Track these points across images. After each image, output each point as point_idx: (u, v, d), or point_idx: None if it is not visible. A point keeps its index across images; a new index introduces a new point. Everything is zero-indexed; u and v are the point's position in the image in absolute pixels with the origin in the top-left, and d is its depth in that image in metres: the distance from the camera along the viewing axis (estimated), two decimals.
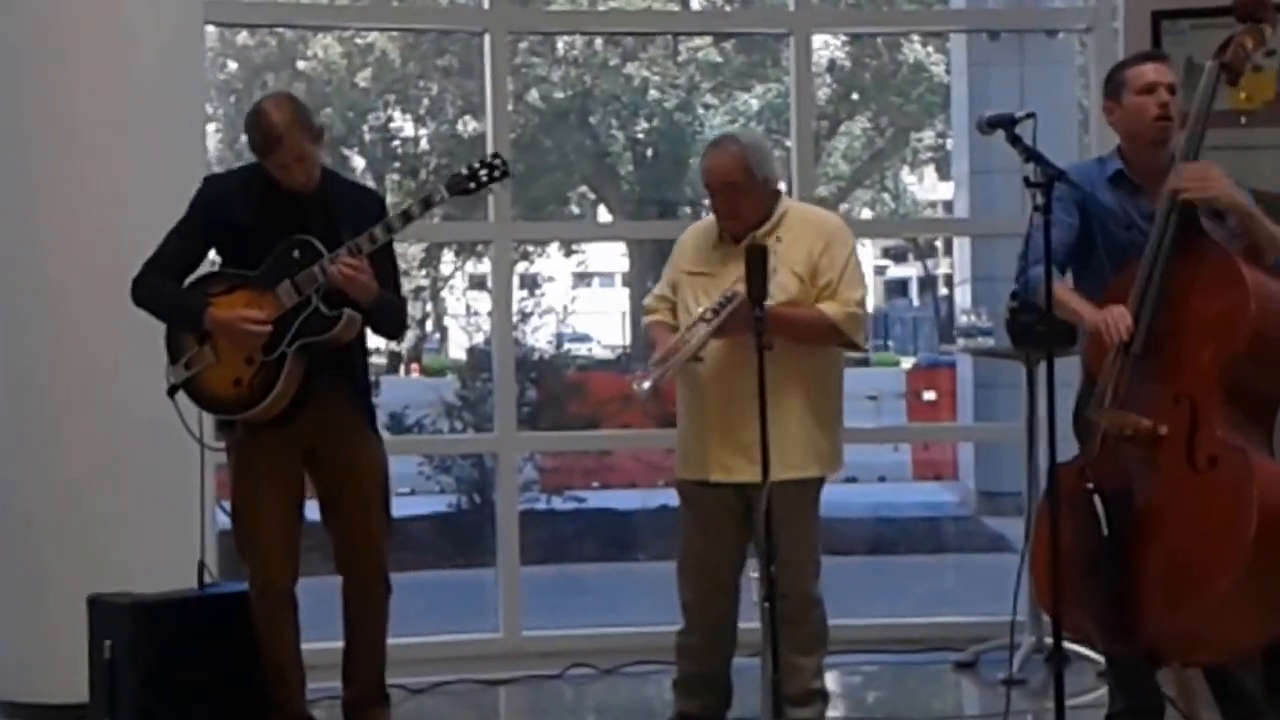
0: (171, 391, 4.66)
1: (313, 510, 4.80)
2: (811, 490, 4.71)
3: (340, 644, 4.81)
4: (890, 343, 26.14)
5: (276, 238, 4.55)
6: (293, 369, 4.53)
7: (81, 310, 5.43)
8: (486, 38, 6.48)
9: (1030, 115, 4.10)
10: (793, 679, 4.57)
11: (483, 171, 4.60)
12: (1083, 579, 4.06)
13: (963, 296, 12.22)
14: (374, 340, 5.01)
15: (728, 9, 18.33)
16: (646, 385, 4.48)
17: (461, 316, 19.29)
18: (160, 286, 4.65)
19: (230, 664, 4.76)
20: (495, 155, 4.65)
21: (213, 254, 4.82)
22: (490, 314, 6.83)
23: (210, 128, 19.87)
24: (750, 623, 4.74)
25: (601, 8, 16.71)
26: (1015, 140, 4.07)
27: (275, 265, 4.54)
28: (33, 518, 5.44)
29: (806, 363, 4.62)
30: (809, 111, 6.81)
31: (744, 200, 4.66)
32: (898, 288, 32.66)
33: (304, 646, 4.79)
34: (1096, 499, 4.10)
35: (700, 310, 4.57)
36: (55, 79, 5.48)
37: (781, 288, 4.51)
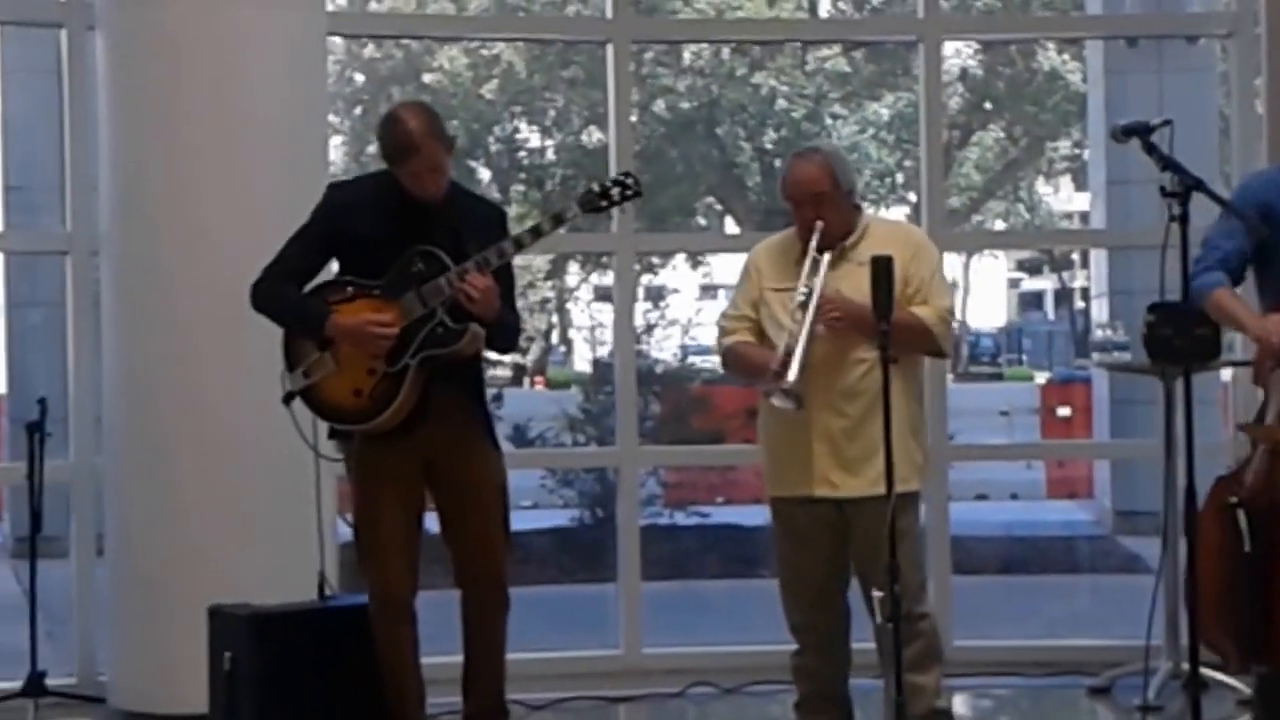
0: (288, 399, 4.63)
1: (433, 522, 4.74)
2: (915, 504, 4.65)
3: (460, 658, 4.75)
4: (1024, 357, 25.74)
5: (400, 248, 4.51)
6: (414, 381, 4.49)
7: (199, 325, 5.46)
8: (609, 47, 6.42)
9: (1167, 123, 3.99)
10: (916, 700, 4.49)
11: (615, 190, 4.57)
12: (1225, 596, 3.92)
13: (1099, 310, 11.99)
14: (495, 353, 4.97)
15: (856, 17, 18.14)
16: (791, 378, 4.35)
17: (586, 329, 19.30)
18: (280, 291, 4.62)
19: (349, 677, 4.73)
20: (628, 174, 4.62)
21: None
22: (613, 326, 6.75)
23: (336, 140, 20.25)
24: (863, 643, 4.66)
25: (728, 16, 16.64)
26: (1151, 149, 3.96)
27: (399, 276, 4.50)
28: (152, 530, 5.49)
29: (904, 375, 4.55)
30: (938, 121, 6.65)
31: (830, 210, 4.59)
32: (1032, 301, 32.23)
33: (424, 660, 4.74)
34: (1240, 514, 3.95)
35: (791, 308, 4.51)
36: (174, 97, 5.52)
37: (866, 299, 4.38)
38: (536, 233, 4.53)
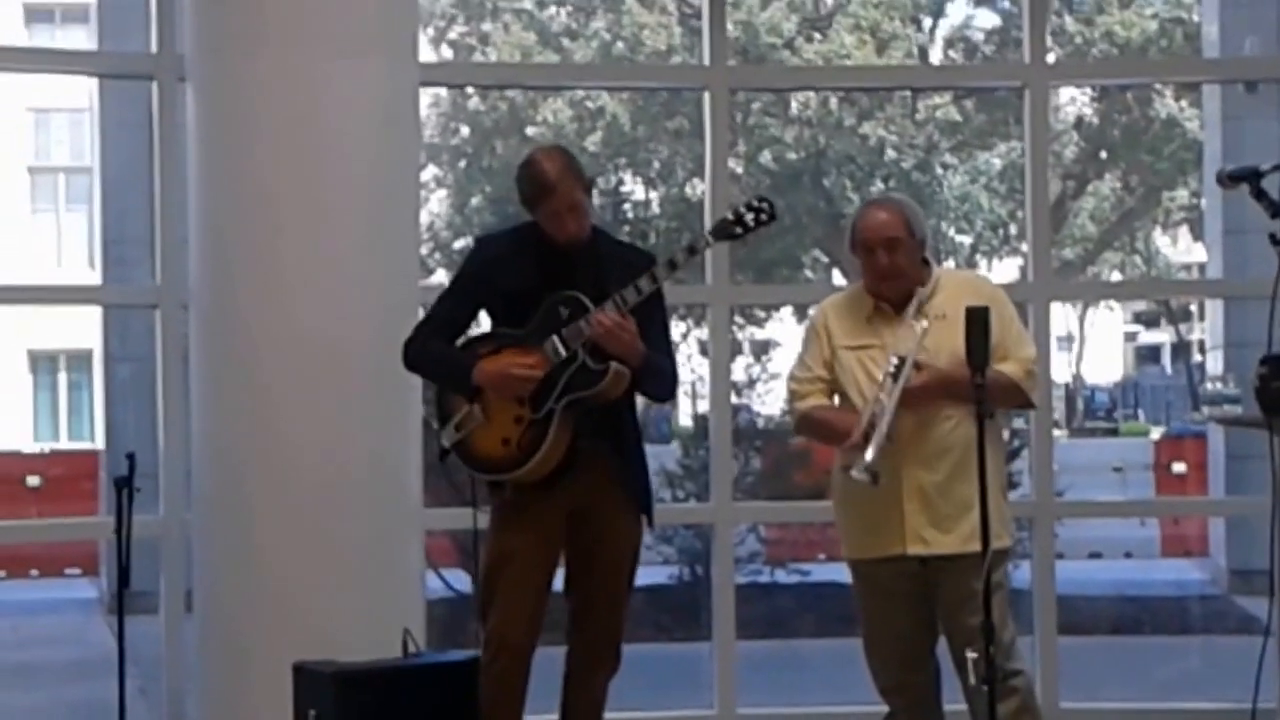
0: (443, 455, 4.61)
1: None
2: (1002, 560, 4.52)
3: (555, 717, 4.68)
4: (1140, 412, 25.31)
5: (544, 297, 4.49)
6: (561, 427, 4.44)
7: (283, 379, 5.37)
8: (707, 95, 6.35)
9: (1278, 167, 3.80)
10: None
11: (749, 215, 4.47)
12: None
13: (1214, 363, 11.71)
14: None
15: (964, 64, 17.97)
16: (870, 457, 4.23)
17: (688, 384, 19.25)
18: (430, 347, 4.63)
19: None
20: (762, 199, 4.51)
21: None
22: (710, 379, 6.63)
23: (441, 192, 20.39)
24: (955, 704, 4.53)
25: (835, 64, 16.54)
26: (1261, 194, 3.81)
27: (542, 322, 4.48)
28: (237, 585, 5.42)
29: (993, 431, 4.43)
30: (1044, 169, 6.45)
31: (904, 258, 4.51)
32: (1150, 354, 31.73)
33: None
34: None
35: (881, 378, 4.38)
36: (262, 149, 5.43)
37: (953, 354, 4.32)
38: (672, 265, 4.45)
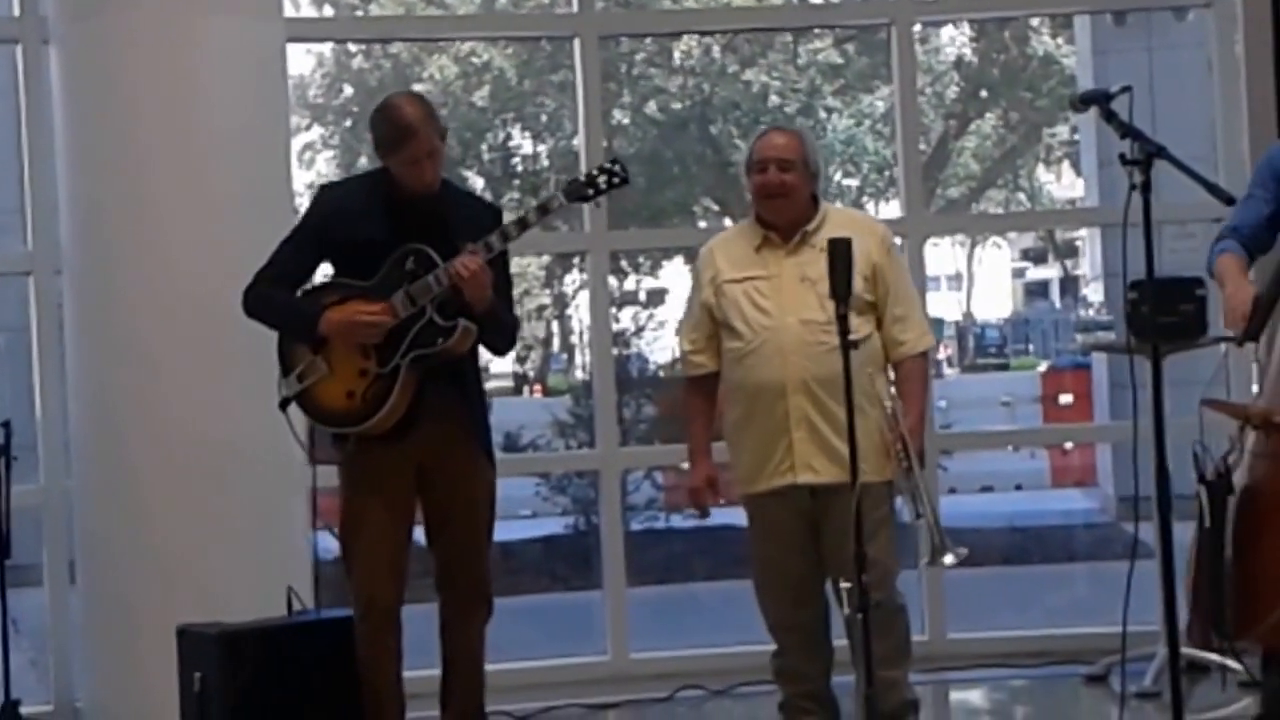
0: (284, 404, 4.56)
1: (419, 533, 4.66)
2: (889, 491, 4.57)
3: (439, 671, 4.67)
4: (1030, 347, 25.63)
5: (392, 248, 4.44)
6: (407, 382, 4.42)
7: (162, 342, 5.37)
8: (577, 42, 6.33)
9: (1126, 89, 3.89)
10: (889, 693, 4.44)
11: (601, 178, 4.48)
12: (1197, 575, 3.84)
13: (1096, 294, 11.87)
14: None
15: (833, 2, 18.04)
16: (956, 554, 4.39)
17: (578, 333, 19.28)
18: (273, 295, 4.56)
19: (322, 693, 4.64)
20: (614, 161, 4.52)
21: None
22: (590, 327, 6.65)
23: (327, 153, 20.21)
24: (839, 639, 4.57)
25: (691, 4, 16.50)
26: (1110, 116, 3.87)
27: (389, 275, 4.44)
28: (122, 552, 5.41)
29: (878, 358, 4.53)
30: (913, 107, 6.49)
31: (795, 178, 4.55)
32: (1039, 290, 32.09)
33: (412, 674, 4.64)
34: (1201, 490, 3.86)
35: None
36: (131, 110, 5.42)
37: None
38: (523, 224, 4.43)
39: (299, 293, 4.58)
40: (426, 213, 4.47)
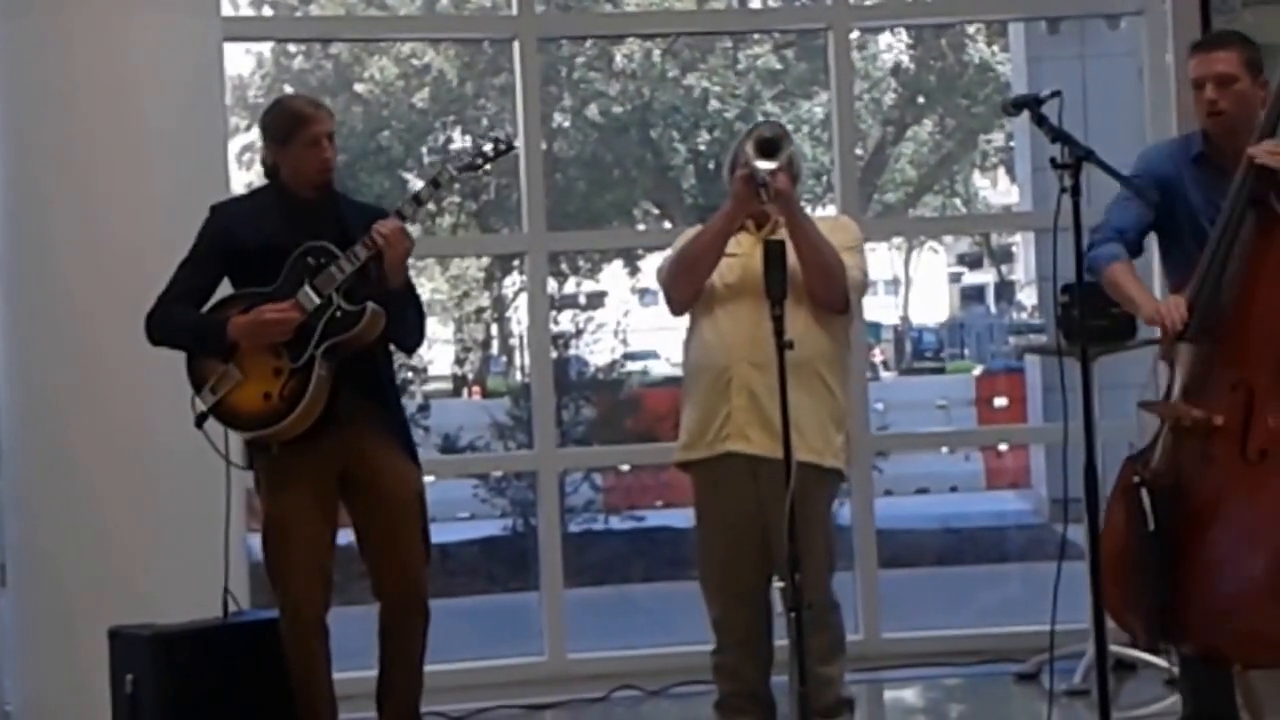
0: (200, 420, 4.53)
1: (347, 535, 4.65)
2: (830, 484, 4.58)
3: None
4: (966, 351, 25.82)
5: (289, 252, 4.45)
6: (321, 375, 4.42)
7: (102, 340, 5.34)
8: (516, 44, 6.34)
9: (1056, 94, 3.94)
10: (823, 691, 4.45)
11: (488, 146, 4.54)
12: (1132, 576, 3.88)
13: (1030, 298, 11.98)
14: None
15: (771, 8, 18.13)
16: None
17: (518, 335, 19.28)
18: (174, 314, 4.56)
19: (256, 695, 4.63)
20: (494, 135, 4.56)
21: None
22: (528, 329, 6.67)
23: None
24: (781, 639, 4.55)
25: (632, 8, 16.52)
26: (1041, 120, 3.91)
27: (291, 275, 4.45)
28: (54, 551, 5.37)
29: (825, 357, 4.52)
30: (850, 112, 6.54)
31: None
32: (974, 295, 32.29)
33: (345, 675, 4.65)
34: (1144, 493, 3.91)
35: None
36: (67, 104, 5.40)
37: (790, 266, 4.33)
38: (417, 200, 4.49)
39: (203, 311, 4.58)
40: (321, 214, 4.50)
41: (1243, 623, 3.79)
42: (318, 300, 4.41)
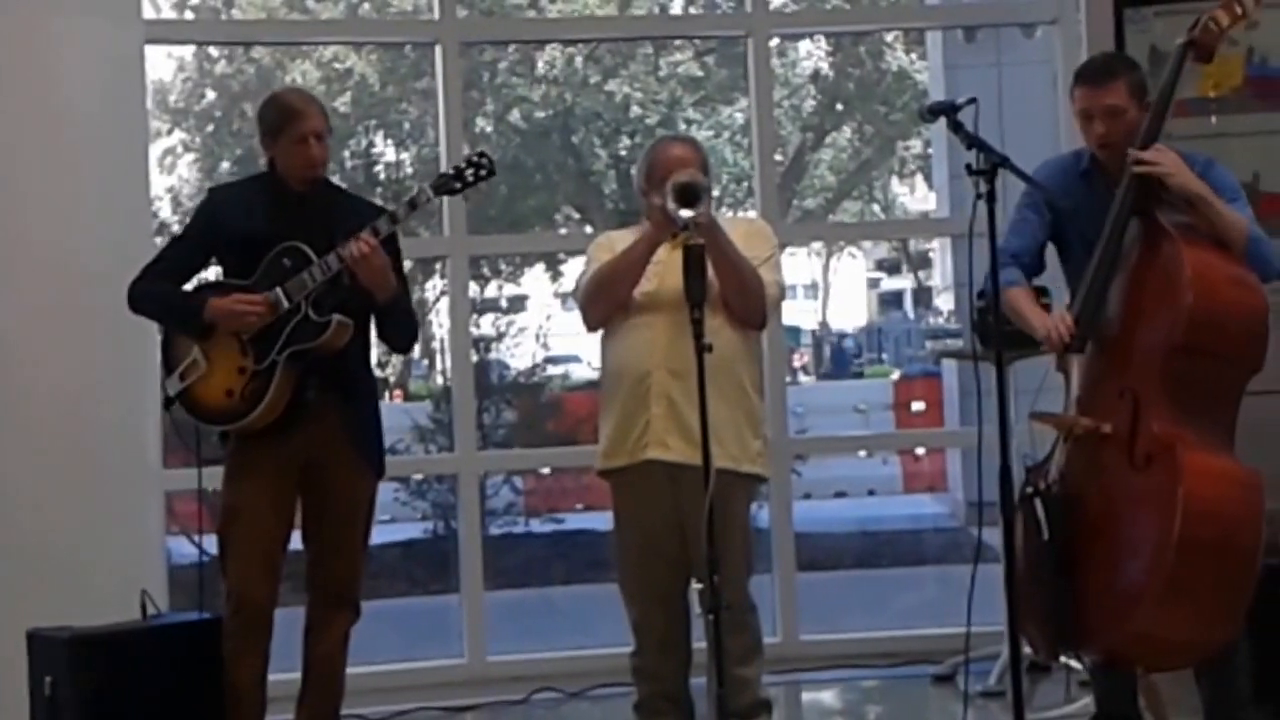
0: (168, 404, 4.57)
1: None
2: (748, 489, 4.61)
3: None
4: (884, 356, 26.02)
5: (275, 244, 4.47)
6: (284, 378, 4.44)
7: (22, 341, 5.31)
8: (438, 48, 6.35)
9: (971, 101, 3.99)
10: (741, 692, 4.48)
11: (469, 171, 4.49)
12: (1029, 585, 3.94)
13: (947, 304, 12.10)
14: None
15: (691, 15, 18.21)
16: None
17: (439, 339, 19.24)
18: (156, 288, 4.57)
19: (176, 698, 4.61)
20: (480, 154, 4.53)
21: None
22: (449, 332, 6.68)
23: (188, 156, 19.99)
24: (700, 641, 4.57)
25: (552, 14, 16.55)
26: (957, 127, 3.96)
27: (267, 273, 4.46)
28: None
29: (741, 363, 4.55)
30: (769, 118, 6.59)
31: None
32: (892, 300, 32.55)
33: (275, 676, 4.61)
34: (1037, 503, 3.98)
35: None
36: None
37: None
38: (393, 219, 4.46)
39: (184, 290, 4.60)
40: (309, 208, 4.51)
41: (1133, 626, 3.83)
42: (287, 304, 4.42)
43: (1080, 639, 3.98)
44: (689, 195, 4.29)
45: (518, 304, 19.09)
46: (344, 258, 4.36)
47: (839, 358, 25.69)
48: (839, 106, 20.18)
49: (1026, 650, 4.67)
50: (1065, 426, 4.10)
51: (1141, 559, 3.83)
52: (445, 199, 6.20)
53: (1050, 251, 4.51)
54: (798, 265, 26.50)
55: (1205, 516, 3.78)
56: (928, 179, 21.15)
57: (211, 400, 4.50)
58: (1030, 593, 3.98)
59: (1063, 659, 5.13)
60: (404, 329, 4.66)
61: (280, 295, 4.43)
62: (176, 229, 4.64)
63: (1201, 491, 3.80)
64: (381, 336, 4.63)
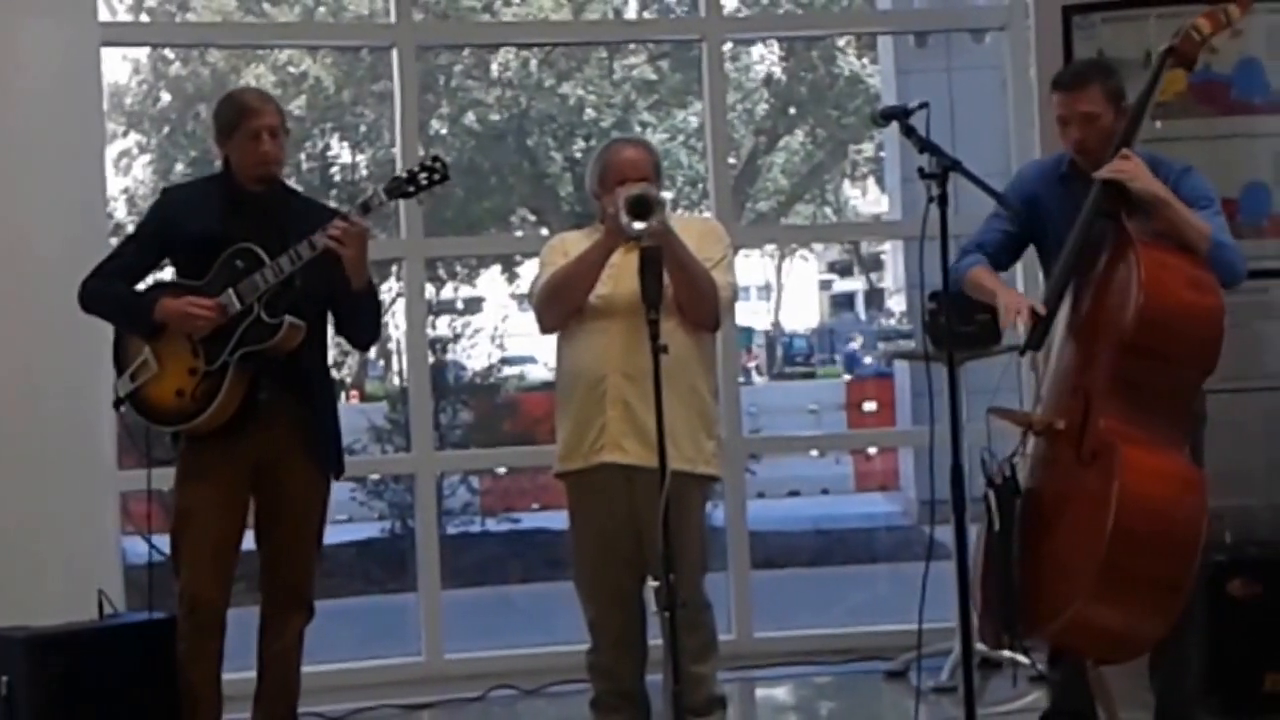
0: (117, 404, 4.57)
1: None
2: (703, 489, 4.64)
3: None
4: (836, 357, 26.14)
5: (228, 244, 4.47)
6: (236, 380, 4.44)
7: None
8: (394, 52, 6.38)
9: (924, 105, 4.05)
10: (696, 690, 4.51)
11: (422, 174, 4.48)
12: (985, 578, 4.01)
13: (899, 305, 12.19)
14: None
15: (645, 19, 18.27)
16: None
17: (395, 340, 19.25)
18: (108, 287, 4.56)
19: (133, 697, 4.63)
20: (434, 158, 4.53)
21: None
22: (406, 333, 6.70)
23: (144, 158, 19.92)
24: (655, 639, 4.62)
25: (507, 17, 16.55)
26: (910, 131, 4.02)
27: (219, 274, 4.46)
28: None
29: (695, 365, 4.58)
30: (723, 122, 6.64)
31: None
32: (844, 302, 32.69)
33: (231, 675, 4.62)
34: (990, 494, 4.05)
35: None
36: None
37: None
38: (346, 220, 4.44)
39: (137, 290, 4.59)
40: (263, 209, 4.51)
41: (1070, 614, 3.90)
42: (239, 306, 4.43)
43: (1027, 627, 4.05)
44: (641, 208, 4.33)
45: (474, 305, 19.08)
46: (317, 245, 4.34)
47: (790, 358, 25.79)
48: (792, 110, 20.28)
49: (978, 646, 4.74)
50: (1025, 423, 4.17)
51: (1081, 550, 3.89)
52: (400, 201, 6.24)
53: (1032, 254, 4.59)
54: (751, 267, 26.61)
55: (1140, 512, 3.85)
56: (880, 182, 21.30)
57: (162, 401, 4.50)
58: (987, 583, 4.03)
59: (1008, 652, 5.23)
60: (370, 321, 4.66)
61: (232, 297, 4.43)
62: (131, 229, 4.65)
63: (1138, 488, 3.87)
64: (343, 332, 4.63)
